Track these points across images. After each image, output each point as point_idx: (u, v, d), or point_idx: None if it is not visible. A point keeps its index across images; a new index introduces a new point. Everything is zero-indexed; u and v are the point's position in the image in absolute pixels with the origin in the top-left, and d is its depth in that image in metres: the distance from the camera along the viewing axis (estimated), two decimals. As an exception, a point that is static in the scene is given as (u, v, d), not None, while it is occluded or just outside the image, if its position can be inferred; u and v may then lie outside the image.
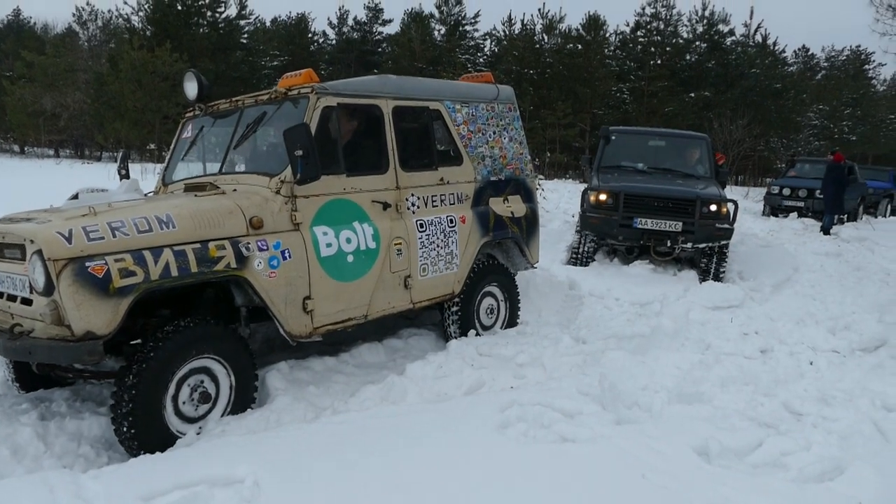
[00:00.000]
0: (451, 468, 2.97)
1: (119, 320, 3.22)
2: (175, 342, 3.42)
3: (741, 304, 6.48)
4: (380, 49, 47.58)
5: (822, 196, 13.83)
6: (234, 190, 4.01)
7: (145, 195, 4.46)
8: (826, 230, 12.76)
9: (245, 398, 3.76)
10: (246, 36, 41.65)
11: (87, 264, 3.15)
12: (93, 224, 3.29)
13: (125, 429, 3.29)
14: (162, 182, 4.88)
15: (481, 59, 42.62)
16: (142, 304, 3.41)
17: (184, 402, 3.51)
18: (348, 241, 4.18)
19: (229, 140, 4.45)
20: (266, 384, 4.05)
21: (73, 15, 41.67)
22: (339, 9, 48.37)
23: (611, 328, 5.39)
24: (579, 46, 37.43)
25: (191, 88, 4.63)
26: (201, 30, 37.26)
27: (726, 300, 6.44)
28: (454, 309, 5.10)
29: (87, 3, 42.02)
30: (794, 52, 44.94)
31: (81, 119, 32.65)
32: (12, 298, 3.53)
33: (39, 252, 3.13)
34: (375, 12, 48.27)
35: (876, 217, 17.70)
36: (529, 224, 5.67)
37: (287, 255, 3.85)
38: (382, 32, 48.56)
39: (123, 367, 3.40)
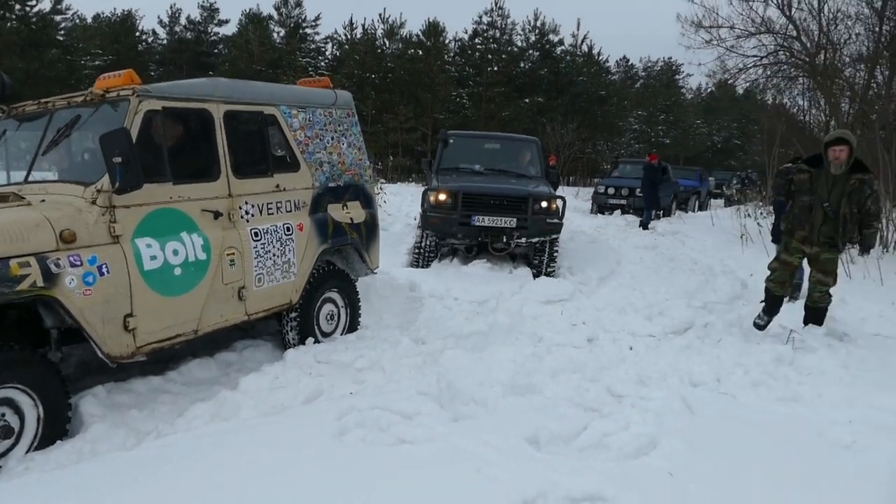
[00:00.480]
0: (285, 479, 2.88)
1: None
2: None
3: (571, 297, 6.87)
4: (216, 50, 45.57)
5: (641, 194, 15.05)
6: (42, 200, 3.66)
7: None
8: (644, 225, 13.89)
9: (55, 430, 3.43)
10: (63, 32, 38.20)
11: None
12: None
13: None
14: None
15: (323, 63, 42.04)
16: None
17: None
18: (175, 252, 3.93)
19: (37, 145, 4.07)
20: (80, 412, 3.69)
21: None
22: (171, 7, 45.70)
23: (449, 328, 5.50)
24: (420, 52, 38.06)
25: None
26: (9, 24, 33.67)
27: (557, 294, 6.80)
28: (293, 317, 4.96)
29: None
30: (616, 62, 48.67)
31: None
32: None
33: None
34: (210, 12, 46.13)
35: (687, 212, 19.53)
36: (369, 230, 5.64)
37: (104, 270, 3.55)
38: (219, 33, 46.55)
39: None
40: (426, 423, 3.52)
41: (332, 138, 5.32)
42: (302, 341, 4.98)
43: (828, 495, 2.93)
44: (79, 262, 3.45)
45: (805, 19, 14.47)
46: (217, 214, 4.23)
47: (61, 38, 37.79)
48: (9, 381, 3.23)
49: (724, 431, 3.58)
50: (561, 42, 41.65)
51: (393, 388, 4.13)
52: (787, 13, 14.24)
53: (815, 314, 5.49)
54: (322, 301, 5.23)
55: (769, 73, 15.94)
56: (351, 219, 5.39)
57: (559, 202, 8.45)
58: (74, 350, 4.36)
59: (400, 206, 13.61)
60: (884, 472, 3.11)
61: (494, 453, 3.16)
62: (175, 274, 3.92)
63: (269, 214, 4.65)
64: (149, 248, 3.80)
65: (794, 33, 14.46)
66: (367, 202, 5.67)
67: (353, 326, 5.50)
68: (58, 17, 37.27)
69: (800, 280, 6.72)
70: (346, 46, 40.35)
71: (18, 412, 3.30)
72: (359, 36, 39.72)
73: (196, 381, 4.40)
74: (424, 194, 8.60)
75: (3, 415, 3.24)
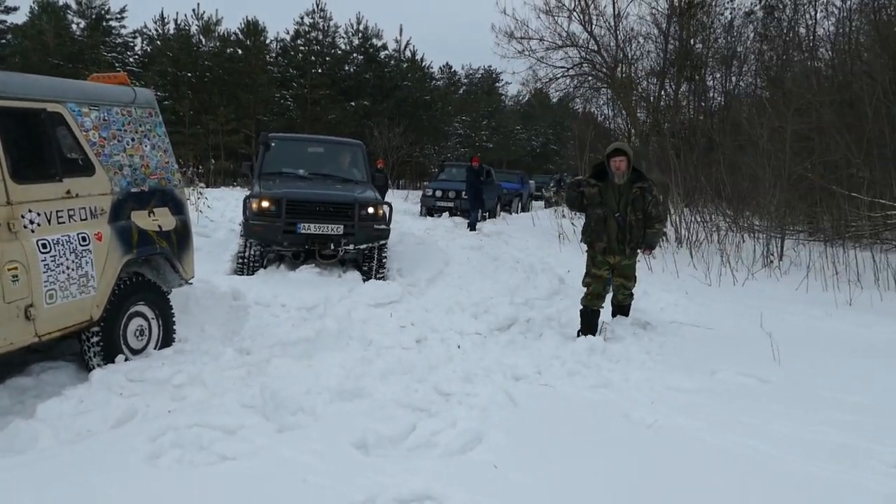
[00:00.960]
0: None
1: None
2: None
3: (400, 299, 6.95)
4: (3, 41, 40.75)
5: (466, 197, 15.59)
6: None
7: None
8: (472, 226, 14.41)
9: None
10: None
11: None
12: None
13: None
14: None
15: (132, 59, 39.01)
16: None
17: None
18: None
19: None
20: None
21: None
22: (-58, -11, 40.17)
23: (276, 335, 5.34)
24: (239, 51, 36.60)
25: None
26: None
27: (387, 296, 6.84)
28: (94, 336, 4.52)
29: None
30: (440, 68, 50.00)
31: None
32: None
33: None
34: (-6, -3, 41.17)
35: (510, 214, 20.53)
36: (181, 238, 5.27)
37: None
38: (6, 21, 41.64)
39: None
40: (249, 436, 3.40)
41: (133, 139, 4.92)
42: (109, 362, 4.52)
43: (633, 472, 3.20)
44: None
45: (604, 35, 15.81)
46: None
47: None
48: None
49: (544, 421, 3.80)
50: (385, 47, 42.04)
51: (216, 402, 3.92)
52: (588, 29, 15.48)
53: (622, 310, 5.99)
54: (129, 316, 4.80)
55: (576, 83, 17.24)
56: (159, 226, 5.02)
57: (386, 208, 8.49)
58: None
59: (223, 211, 12.99)
60: (682, 447, 3.45)
61: (321, 461, 3.12)
62: None
63: (59, 223, 4.20)
64: None
65: (595, 48, 15.73)
66: (177, 208, 5.30)
67: (167, 341, 5.09)
68: None
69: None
70: (158, 42, 37.85)
71: None
72: (171, 32, 37.43)
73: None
74: (246, 201, 8.26)
75: None
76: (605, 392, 4.32)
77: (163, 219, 5.08)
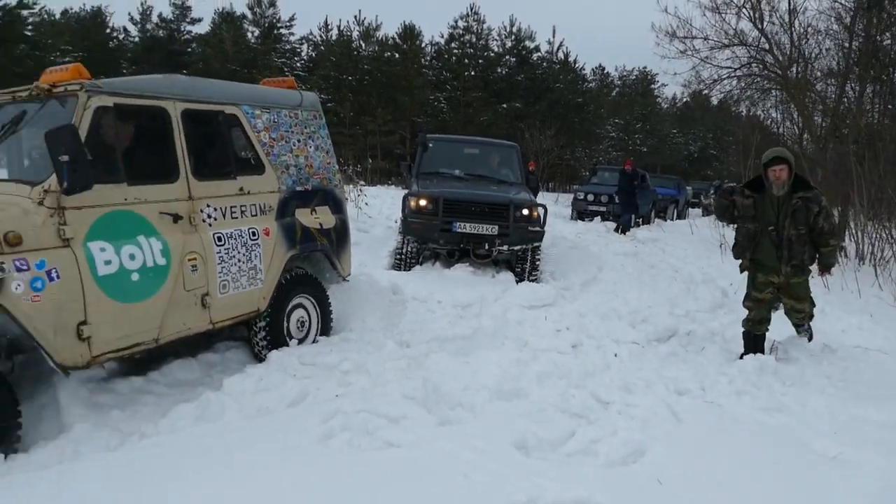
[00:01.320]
0: (270, 484, 2.83)
1: None
2: None
3: (554, 302, 6.89)
4: (189, 49, 45.02)
5: (618, 201, 15.18)
6: None
7: None
8: (622, 230, 14.01)
9: (4, 441, 3.26)
10: (30, 27, 37.43)
11: None
12: None
13: None
14: None
15: (298, 64, 41.74)
16: None
17: None
18: (132, 257, 3.76)
19: None
20: (61, 412, 3.60)
21: None
22: (142, 4, 45.01)
23: (433, 331, 5.48)
24: (396, 55, 37.99)
25: None
26: (-25, 18, 32.92)
27: (540, 299, 6.81)
28: (262, 325, 4.80)
29: None
30: (592, 70, 48.95)
31: None
32: None
33: None
34: (182, 10, 45.50)
35: (665, 220, 19.74)
36: (339, 236, 5.47)
37: (54, 275, 3.36)
38: (191, 31, 45.99)
39: None
40: (412, 427, 3.50)
41: (299, 140, 5.17)
42: (273, 350, 4.79)
43: None
44: (25, 267, 3.26)
45: (777, 33, 14.68)
46: (177, 217, 4.06)
47: (29, 34, 37.05)
48: None
49: (711, 440, 3.61)
50: (537, 49, 41.86)
51: (379, 391, 4.09)
52: (759, 26, 14.44)
53: (802, 333, 5.43)
54: (292, 308, 5.07)
55: (743, 84, 16.15)
56: (320, 224, 5.24)
57: (541, 210, 8.46)
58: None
59: (380, 208, 13.55)
60: (873, 486, 3.14)
61: (481, 458, 3.14)
62: (132, 280, 3.74)
63: (233, 218, 4.48)
64: (103, 253, 3.61)
65: (767, 46, 14.67)
66: (337, 207, 5.51)
67: (324, 333, 5.35)
68: (25, 12, 36.57)
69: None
70: (322, 48, 40.14)
71: None
72: (334, 38, 39.54)
73: (179, 382, 4.32)
74: (405, 199, 8.56)
75: None
76: (780, 416, 4.02)
77: (324, 217, 5.30)
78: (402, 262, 8.45)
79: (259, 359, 4.76)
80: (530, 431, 3.44)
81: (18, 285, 3.21)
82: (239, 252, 4.47)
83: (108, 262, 3.62)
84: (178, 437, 3.39)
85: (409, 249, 8.48)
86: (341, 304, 6.10)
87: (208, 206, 4.30)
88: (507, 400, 4.01)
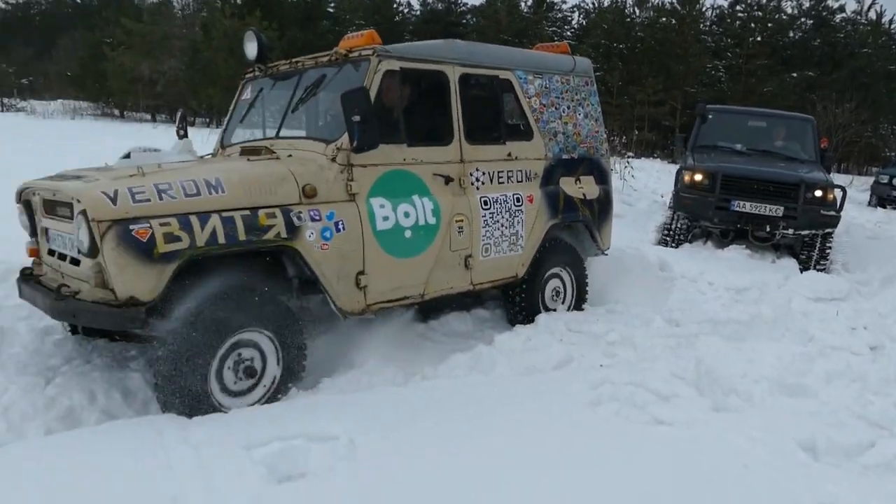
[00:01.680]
0: (542, 438, 2.94)
1: (163, 287, 3.08)
2: (220, 313, 3.25)
3: (846, 297, 6.12)
4: (464, 21, 47.18)
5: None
6: (290, 155, 3.83)
7: (200, 157, 4.39)
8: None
9: (292, 375, 3.58)
10: (333, 6, 42.09)
11: (132, 227, 2.99)
12: (139, 185, 3.14)
13: (165, 395, 3.20)
14: (220, 144, 4.75)
15: (569, 32, 41.59)
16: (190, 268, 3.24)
17: (228, 374, 3.36)
18: (406, 215, 3.96)
19: (287, 103, 4.26)
20: (358, 348, 4.08)
21: (170, -17, 43.05)
22: (425, -21, 48.11)
23: (705, 312, 5.21)
24: (673, 21, 35.91)
25: (251, 48, 4.45)
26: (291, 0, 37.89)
27: (830, 292, 6.09)
28: (518, 291, 4.84)
29: (184, -29, 43.38)
30: (911, 30, 41.73)
31: (176, 85, 33.85)
32: (62, 257, 3.49)
33: (84, 212, 2.99)
34: (461, -17, 47.82)
35: None
36: (602, 207, 5.32)
37: (341, 226, 3.65)
38: (467, 3, 48.11)
39: (169, 333, 3.21)
40: (684, 406, 3.37)
41: (569, 107, 5.06)
42: (527, 317, 4.84)
43: None
44: (318, 217, 3.55)
45: None
46: (448, 179, 4.19)
47: (331, 11, 41.71)
48: (253, 326, 3.37)
49: None
50: (842, 9, 36.74)
51: (646, 366, 4.00)
52: None
53: None
54: (548, 277, 5.05)
55: None
56: (584, 194, 5.13)
57: (837, 192, 7.51)
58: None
59: (646, 181, 13.12)
60: None
61: (764, 451, 2.93)
62: (405, 236, 3.95)
63: (499, 183, 4.53)
64: (382, 209, 3.84)
65: None
66: (602, 178, 5.36)
67: (578, 306, 5.29)
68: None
69: None
70: (594, 15, 39.43)
71: (262, 355, 3.46)
72: (606, 4, 38.58)
73: (454, 332, 4.66)
74: (679, 173, 8.16)
75: (250, 357, 3.41)
76: None
77: (587, 187, 5.19)
78: (671, 238, 8.11)
79: (512, 324, 4.85)
80: (820, 433, 3.12)
81: (311, 233, 3.52)
82: (503, 217, 4.52)
83: (385, 219, 3.85)
84: (454, 383, 3.66)
85: (679, 226, 8.10)
86: (606, 276, 6.05)
87: (477, 169, 4.39)
88: (791, 395, 3.68)
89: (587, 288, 5.39)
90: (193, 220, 3.15)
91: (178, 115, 5.13)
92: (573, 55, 5.25)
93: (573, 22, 43.11)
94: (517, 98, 4.71)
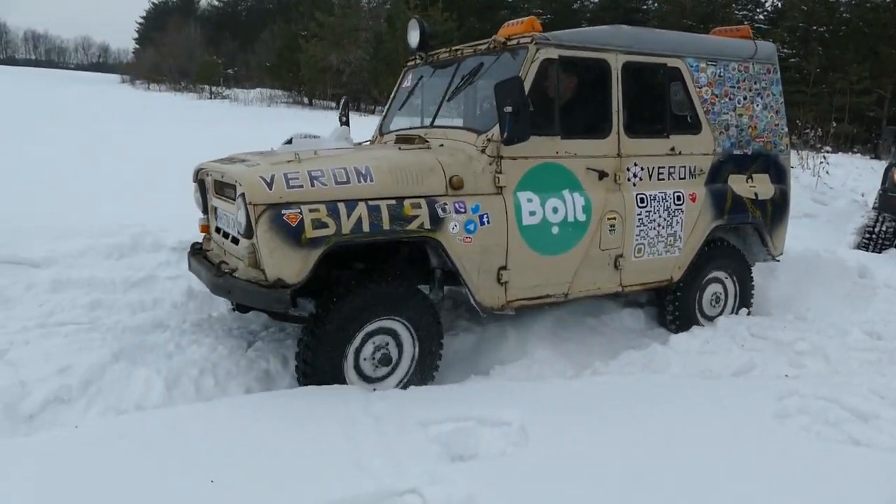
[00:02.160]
0: (723, 447, 2.82)
1: (308, 270, 3.15)
2: (361, 300, 3.34)
3: None
4: (644, 6, 45.41)
5: None
6: (441, 145, 3.81)
7: (358, 144, 4.43)
8: None
9: (427, 367, 3.63)
10: (512, -6, 42.30)
11: (284, 212, 3.09)
12: (294, 171, 3.23)
13: (305, 376, 3.35)
14: (379, 131, 4.76)
15: (762, 16, 38.70)
16: (338, 254, 3.33)
17: (364, 360, 3.46)
18: (555, 210, 3.80)
19: (445, 91, 4.22)
20: (531, 337, 4.12)
21: (358, -21, 45.40)
22: (609, -37, 46.84)
23: (913, 326, 4.67)
24: (888, -1, 32.22)
25: (413, 36, 4.44)
26: (472, -12, 38.57)
27: None
28: (673, 296, 4.55)
29: (371, -33, 45.55)
30: None
31: (361, 74, 35.79)
32: (226, 236, 3.68)
33: (243, 195, 3.14)
34: (644, -33, 46.03)
35: None
36: (777, 209, 4.79)
37: (485, 219, 3.56)
38: (650, -10, 46.25)
39: (312, 314, 3.38)
40: (888, 429, 3.07)
41: (745, 98, 4.62)
42: (681, 325, 4.54)
43: None
44: (463, 209, 3.49)
45: None
46: (602, 174, 3.98)
47: (510, 0, 41.88)
48: (392, 314, 3.44)
49: None
50: None
51: (840, 381, 3.68)
52: None
53: None
54: (708, 282, 4.69)
55: None
56: (755, 194, 4.65)
57: None
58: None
59: (844, 179, 11.95)
60: None
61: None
62: (552, 232, 3.80)
63: (659, 180, 4.24)
64: (529, 203, 3.71)
65: None
66: (779, 176, 4.83)
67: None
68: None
69: None
70: (794, -5, 36.29)
71: (399, 345, 3.53)
72: (809, -17, 35.33)
73: (626, 328, 4.57)
74: (887, 170, 7.36)
75: (387, 344, 3.49)
76: None
77: (761, 186, 4.72)
78: (873, 241, 7.36)
79: (667, 327, 4.61)
80: None
81: (455, 225, 3.46)
82: (660, 216, 4.24)
83: (532, 213, 3.72)
84: (626, 380, 3.60)
85: (885, 229, 7.31)
86: (795, 279, 5.63)
87: (635, 164, 4.15)
88: None
89: (752, 295, 4.96)
90: (341, 207, 3.21)
91: (342, 102, 5.19)
92: (755, 40, 4.79)
93: (766, 4, 40.02)
94: (686, 88, 4.39)
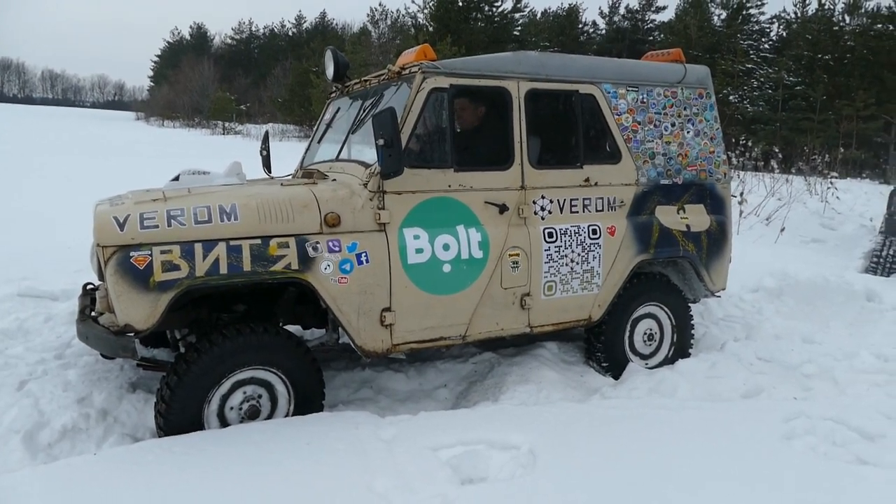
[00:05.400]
0: (731, 469, 2.84)
1: (158, 316, 2.95)
2: (222, 350, 3.11)
3: None
4: (650, 38, 46.03)
5: None
6: (334, 180, 3.62)
7: (249, 181, 4.09)
8: None
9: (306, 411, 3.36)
10: (519, 28, 42.96)
11: (132, 254, 2.93)
12: (151, 211, 3.06)
13: (160, 422, 3.11)
14: (300, 165, 4.59)
15: (767, 45, 39.10)
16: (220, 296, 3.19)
17: (231, 409, 3.22)
18: (445, 247, 3.54)
19: (350, 123, 4.07)
20: (536, 362, 4.17)
21: (367, 15, 46.42)
22: (611, -3, 47.71)
23: (920, 349, 4.68)
24: (890, 27, 32.44)
25: (329, 68, 4.23)
26: (478, 24, 39.26)
27: None
28: (596, 335, 4.27)
29: (380, 4, 46.53)
30: None
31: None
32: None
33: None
34: (649, 0, 46.78)
35: None
36: (713, 242, 4.43)
37: (363, 258, 3.32)
38: (655, 20, 46.96)
39: (172, 363, 3.16)
40: (894, 448, 3.09)
41: (674, 124, 4.32)
42: (610, 367, 4.25)
43: None
44: (337, 248, 3.27)
45: None
46: (503, 208, 3.70)
47: (517, 34, 42.57)
48: (260, 364, 3.21)
49: None
50: None
51: (847, 402, 3.72)
52: None
53: None
54: (638, 318, 4.38)
55: None
56: (687, 226, 4.32)
57: None
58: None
59: (852, 204, 11.98)
60: None
61: None
62: (443, 271, 3.53)
63: (571, 213, 3.94)
64: (416, 241, 3.46)
65: None
66: (716, 206, 4.47)
67: (680, 352, 4.48)
68: (516, 15, 42.07)
69: None
70: (795, 25, 36.69)
71: (271, 395, 3.31)
72: (812, 12, 35.72)
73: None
74: (892, 195, 7.42)
75: (259, 396, 3.26)
76: None
77: (693, 217, 4.37)
78: (880, 265, 7.37)
79: (596, 368, 4.33)
80: None
81: (328, 266, 3.23)
82: (573, 251, 3.92)
83: (419, 251, 3.47)
84: (634, 404, 3.61)
85: (892, 252, 7.33)
86: (801, 303, 5.68)
87: (543, 197, 3.85)
88: None
89: (692, 332, 4.58)
90: (197, 248, 3.02)
91: (263, 135, 5.04)
92: (684, 63, 4.48)
93: (771, 34, 40.47)
94: (602, 115, 4.08)
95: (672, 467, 2.84)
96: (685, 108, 4.39)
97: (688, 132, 4.40)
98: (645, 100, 4.23)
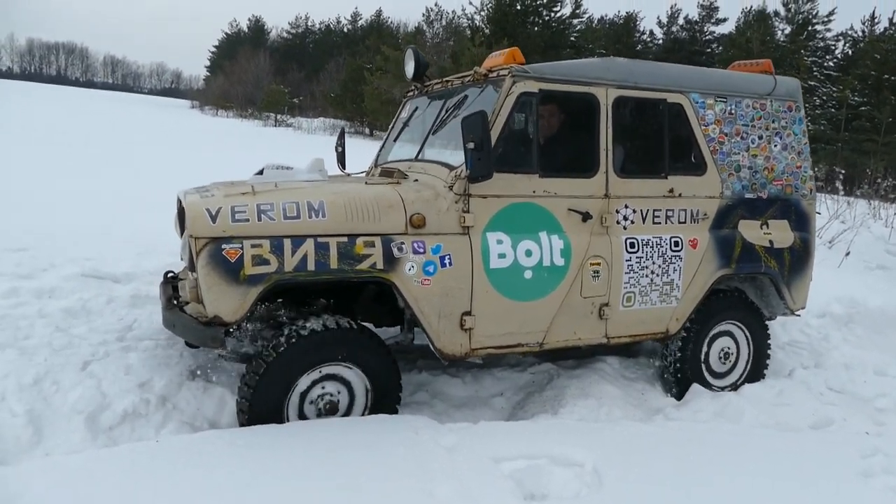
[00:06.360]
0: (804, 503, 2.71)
1: (246, 309, 3.00)
2: (304, 344, 3.13)
3: None
4: (709, 49, 45.15)
5: None
6: (415, 180, 3.62)
7: (331, 176, 4.07)
8: None
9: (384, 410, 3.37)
10: (576, 34, 42.58)
11: (224, 247, 2.95)
12: (242, 204, 3.08)
13: (244, 407, 3.12)
14: (374, 163, 4.61)
15: (831, 63, 37.97)
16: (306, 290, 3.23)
17: (311, 402, 3.25)
18: (528, 253, 3.51)
19: (431, 123, 4.06)
20: (596, 377, 4.08)
21: (423, 15, 46.47)
22: (670, 7, 46.99)
23: None
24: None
25: (409, 66, 4.26)
26: (535, 28, 39.03)
27: None
28: (673, 350, 4.20)
29: (435, 4, 46.62)
30: None
31: (423, 108, 36.37)
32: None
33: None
34: (709, 11, 45.90)
35: None
36: (797, 259, 4.33)
37: (447, 261, 3.31)
38: (714, 32, 46.06)
39: (254, 355, 3.21)
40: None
41: (761, 137, 4.22)
42: (681, 380, 4.17)
43: None
44: (422, 250, 3.26)
45: None
46: (586, 216, 3.66)
47: (573, 40, 42.19)
48: (341, 359, 3.23)
49: None
50: None
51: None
52: None
53: None
54: (715, 335, 4.30)
55: None
56: (770, 241, 4.23)
57: None
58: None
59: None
60: None
61: None
62: (525, 277, 3.51)
63: (654, 223, 3.89)
64: (499, 245, 3.45)
65: None
66: (801, 223, 4.37)
67: (755, 374, 4.40)
68: (574, 21, 41.70)
69: None
70: (862, 44, 35.56)
71: (349, 389, 3.31)
72: (881, 30, 34.59)
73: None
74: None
75: (337, 391, 3.27)
76: None
77: (777, 233, 4.28)
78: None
79: (665, 385, 4.27)
80: None
81: (412, 267, 3.23)
82: (654, 262, 3.87)
83: (501, 256, 3.45)
84: (701, 427, 3.52)
85: (967, 285, 7.00)
86: (872, 333, 5.45)
87: (626, 206, 3.82)
88: None
89: (768, 353, 4.47)
90: (286, 243, 3.04)
91: (339, 132, 5.06)
92: (775, 75, 4.37)
93: (836, 51, 39.32)
94: (689, 125, 4.02)
95: (745, 494, 2.73)
96: (773, 121, 4.30)
97: (775, 146, 4.31)
98: (733, 111, 4.16)
